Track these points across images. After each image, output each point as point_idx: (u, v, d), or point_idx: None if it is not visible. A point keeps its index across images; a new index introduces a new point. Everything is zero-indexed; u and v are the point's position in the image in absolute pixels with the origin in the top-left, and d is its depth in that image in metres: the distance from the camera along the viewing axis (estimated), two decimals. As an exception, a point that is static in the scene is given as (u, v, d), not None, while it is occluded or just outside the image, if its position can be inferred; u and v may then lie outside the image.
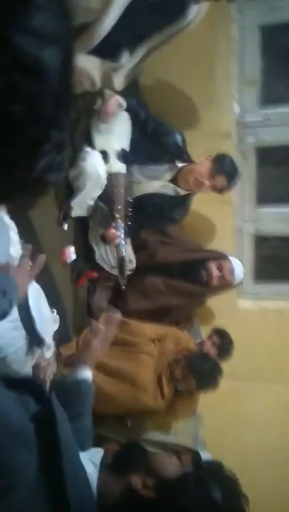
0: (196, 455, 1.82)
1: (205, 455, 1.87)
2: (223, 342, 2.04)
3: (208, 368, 1.86)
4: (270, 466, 2.38)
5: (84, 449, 0.95)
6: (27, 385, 0.70)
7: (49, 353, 1.37)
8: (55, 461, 0.59)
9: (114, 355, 1.90)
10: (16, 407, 0.62)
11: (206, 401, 2.11)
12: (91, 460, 0.68)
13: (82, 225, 2.02)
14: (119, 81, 1.82)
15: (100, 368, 1.84)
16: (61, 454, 0.59)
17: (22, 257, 1.10)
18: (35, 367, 1.40)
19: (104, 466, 0.72)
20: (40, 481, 0.58)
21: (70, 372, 1.16)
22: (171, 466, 0.74)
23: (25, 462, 0.57)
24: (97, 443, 1.91)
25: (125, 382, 1.84)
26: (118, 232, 1.77)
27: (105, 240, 1.84)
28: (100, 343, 1.16)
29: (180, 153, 1.98)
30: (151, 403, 1.84)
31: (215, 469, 0.77)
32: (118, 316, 1.25)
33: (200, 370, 1.84)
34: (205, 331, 2.40)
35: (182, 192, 2.03)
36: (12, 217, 1.45)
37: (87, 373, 1.11)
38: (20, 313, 1.16)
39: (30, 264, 1.09)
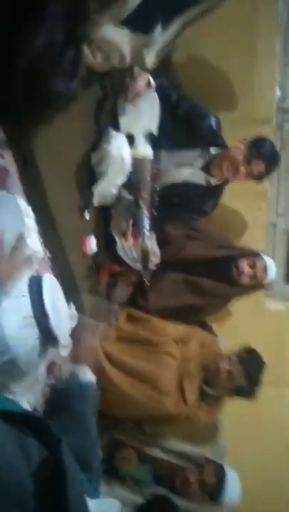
0: (219, 468, 1.69)
1: (228, 469, 1.73)
2: (253, 364, 1.84)
3: (260, 375, 1.74)
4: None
5: (90, 466, 0.82)
6: (32, 423, 0.57)
7: (65, 351, 1.26)
8: None
9: (135, 354, 1.79)
10: (15, 455, 0.49)
11: (227, 405, 1.98)
12: None
13: (104, 214, 1.89)
14: (150, 58, 1.67)
15: (119, 366, 1.74)
16: None
17: (14, 247, 0.98)
18: (50, 367, 1.30)
19: None
20: None
21: (70, 375, 1.04)
22: None
23: None
24: (113, 448, 1.82)
25: (146, 384, 1.72)
26: (143, 224, 1.63)
27: (126, 237, 1.72)
28: (95, 339, 1.05)
29: (214, 138, 1.80)
30: (173, 408, 1.71)
31: None
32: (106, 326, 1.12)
33: (254, 376, 1.73)
34: (228, 334, 2.26)
35: (214, 181, 1.86)
36: (30, 204, 1.33)
37: (88, 375, 0.99)
38: (33, 309, 1.04)
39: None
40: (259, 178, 1.84)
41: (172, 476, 1.76)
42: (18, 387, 1.12)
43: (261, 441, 2.30)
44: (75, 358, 1.05)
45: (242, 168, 1.77)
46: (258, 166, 1.77)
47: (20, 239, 1.04)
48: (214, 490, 1.67)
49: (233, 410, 2.02)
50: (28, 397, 1.19)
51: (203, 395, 1.82)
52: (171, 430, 1.90)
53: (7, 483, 0.45)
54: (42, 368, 1.16)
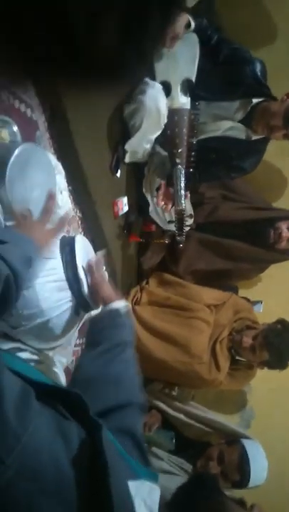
0: (243, 451, 1.63)
1: (254, 451, 1.67)
2: (281, 337, 1.70)
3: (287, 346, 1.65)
4: None
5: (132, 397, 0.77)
6: (70, 400, 0.53)
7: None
8: None
9: (168, 318, 1.74)
10: (54, 441, 0.45)
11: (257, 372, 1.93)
12: (145, 502, 0.51)
13: (136, 172, 1.78)
14: (190, -5, 1.49)
15: (151, 330, 1.70)
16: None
17: (45, 210, 0.92)
18: (82, 328, 1.27)
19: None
20: None
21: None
22: None
23: None
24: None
25: (178, 349, 1.68)
26: (178, 182, 1.51)
27: (157, 199, 1.60)
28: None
29: (258, 86, 1.60)
30: (206, 374, 1.68)
31: None
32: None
33: (278, 346, 1.64)
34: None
35: (255, 136, 1.69)
36: (60, 161, 1.25)
37: (116, 304, 0.95)
38: (66, 273, 0.99)
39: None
40: None
41: (196, 446, 1.73)
42: (51, 348, 1.10)
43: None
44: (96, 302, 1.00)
45: (278, 131, 1.58)
46: None
47: (53, 198, 0.97)
48: (237, 484, 1.61)
49: (262, 374, 1.97)
50: (60, 358, 1.18)
51: (234, 362, 1.77)
52: (199, 392, 1.87)
53: (46, 472, 0.42)
54: (73, 332, 1.13)
